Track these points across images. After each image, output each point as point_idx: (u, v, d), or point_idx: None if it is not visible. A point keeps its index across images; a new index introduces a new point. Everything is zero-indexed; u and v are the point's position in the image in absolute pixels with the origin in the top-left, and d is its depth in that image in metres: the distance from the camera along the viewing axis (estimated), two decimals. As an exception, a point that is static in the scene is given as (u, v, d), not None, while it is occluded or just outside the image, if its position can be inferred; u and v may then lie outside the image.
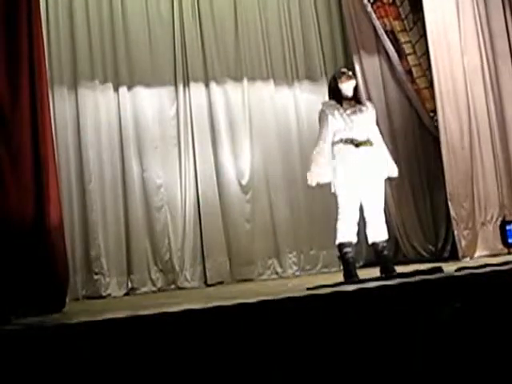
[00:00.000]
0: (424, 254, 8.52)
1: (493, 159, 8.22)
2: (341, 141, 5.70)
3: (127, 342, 3.36)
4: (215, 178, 8.28)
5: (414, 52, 8.48)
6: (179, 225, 8.06)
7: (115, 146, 7.96)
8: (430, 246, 8.61)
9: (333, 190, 5.80)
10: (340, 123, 5.72)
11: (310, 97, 8.70)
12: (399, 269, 6.01)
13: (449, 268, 5.31)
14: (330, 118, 5.75)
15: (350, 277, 5.67)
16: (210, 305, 3.79)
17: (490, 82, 8.33)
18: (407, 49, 8.49)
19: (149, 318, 3.58)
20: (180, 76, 8.30)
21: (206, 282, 8.02)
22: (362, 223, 5.95)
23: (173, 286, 7.86)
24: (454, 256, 7.92)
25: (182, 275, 7.92)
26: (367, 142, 5.70)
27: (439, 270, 5.00)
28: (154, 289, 7.79)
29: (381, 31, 8.55)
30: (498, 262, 5.61)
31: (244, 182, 8.40)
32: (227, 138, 8.43)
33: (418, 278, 4.50)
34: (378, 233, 5.83)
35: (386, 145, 6.17)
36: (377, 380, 3.55)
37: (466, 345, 3.68)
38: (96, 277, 7.57)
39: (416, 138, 8.80)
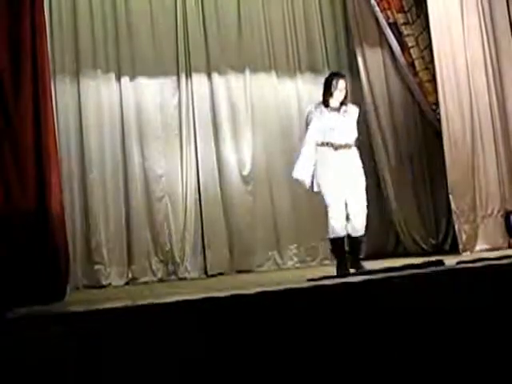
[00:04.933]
0: (424, 247, 8.53)
1: (494, 153, 8.21)
2: (322, 144, 6.01)
3: (127, 331, 3.36)
4: (216, 169, 8.28)
5: (417, 45, 8.46)
6: (180, 215, 8.06)
7: (117, 136, 7.96)
8: (431, 240, 8.62)
9: (316, 190, 6.09)
10: (323, 126, 6.02)
11: (312, 88, 8.66)
12: (400, 262, 6.02)
13: (450, 261, 5.31)
14: (315, 120, 6.06)
15: (343, 270, 5.91)
16: (209, 295, 3.78)
17: (492, 75, 8.31)
18: (410, 42, 8.47)
19: (148, 308, 3.58)
20: (182, 66, 8.29)
21: (206, 273, 8.03)
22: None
23: (173, 277, 7.87)
24: (454, 249, 7.92)
25: (183, 266, 7.93)
26: (346, 146, 5.99)
27: (440, 263, 5.00)
28: (154, 279, 7.81)
29: (384, 24, 8.53)
30: (499, 255, 5.62)
31: (245, 173, 8.41)
32: (229, 128, 8.43)
33: (418, 270, 4.50)
34: (357, 228, 6.09)
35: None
36: (376, 374, 3.55)
37: (466, 338, 3.68)
38: (96, 266, 7.59)
39: (418, 131, 8.81)
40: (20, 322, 3.43)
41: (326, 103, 6.10)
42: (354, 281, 3.95)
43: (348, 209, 6.01)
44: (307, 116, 6.19)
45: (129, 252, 7.84)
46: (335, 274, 5.82)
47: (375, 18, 8.62)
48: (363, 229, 6.14)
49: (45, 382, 3.16)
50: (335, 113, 6.07)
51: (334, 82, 6.09)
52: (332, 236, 6.03)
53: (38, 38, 5.65)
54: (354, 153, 6.06)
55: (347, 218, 6.05)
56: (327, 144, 5.97)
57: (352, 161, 6.02)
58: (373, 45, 8.74)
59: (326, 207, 6.06)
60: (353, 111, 6.20)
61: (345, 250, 6.10)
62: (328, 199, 5.98)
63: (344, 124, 6.04)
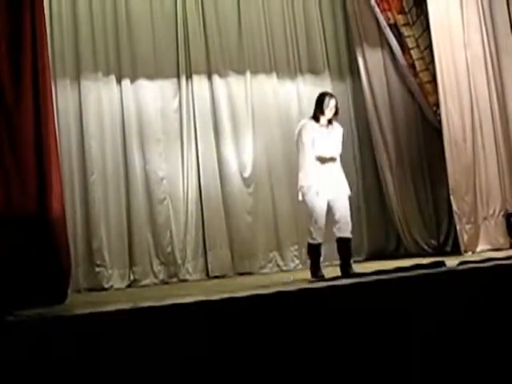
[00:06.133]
0: (426, 248, 8.52)
1: (495, 153, 8.22)
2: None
3: (128, 333, 3.36)
4: (217, 171, 8.28)
5: (417, 46, 8.47)
6: (181, 217, 8.06)
7: (117, 138, 7.96)
8: (432, 241, 8.61)
9: (300, 198, 6.44)
10: (313, 139, 6.39)
11: (312, 90, 8.64)
12: (401, 263, 6.01)
13: (451, 262, 5.31)
14: (307, 134, 6.42)
15: (317, 272, 6.33)
16: (211, 298, 3.79)
17: (492, 75, 8.32)
18: (410, 42, 8.48)
19: (150, 311, 3.58)
20: (183, 68, 8.29)
21: (207, 275, 8.03)
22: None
23: (175, 279, 7.87)
24: (455, 250, 7.92)
25: (184, 268, 7.93)
26: (331, 159, 6.41)
27: (442, 264, 5.00)
28: (155, 281, 7.81)
29: (384, 25, 8.54)
30: (500, 256, 5.62)
31: (246, 175, 8.41)
32: (230, 130, 8.43)
33: (420, 271, 4.50)
34: (344, 230, 6.41)
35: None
36: (374, 374, 3.55)
37: (467, 340, 3.68)
38: (98, 269, 7.59)
39: (418, 132, 8.80)
40: (21, 325, 3.43)
41: (316, 119, 6.46)
42: (349, 283, 3.95)
43: (333, 211, 6.36)
44: (300, 129, 6.51)
45: (130, 254, 7.83)
46: (311, 276, 6.29)
47: (375, 19, 8.62)
48: (349, 231, 6.41)
49: (46, 385, 3.16)
50: (324, 128, 6.45)
51: (325, 101, 6.44)
52: (311, 242, 6.39)
53: (38, 40, 5.65)
54: (338, 166, 6.48)
55: (333, 221, 6.39)
56: (315, 157, 6.35)
57: (336, 172, 6.44)
58: (373, 46, 8.74)
59: (309, 214, 6.38)
60: (338, 129, 6.56)
61: (320, 255, 6.45)
62: (312, 207, 6.33)
63: (330, 139, 6.44)
